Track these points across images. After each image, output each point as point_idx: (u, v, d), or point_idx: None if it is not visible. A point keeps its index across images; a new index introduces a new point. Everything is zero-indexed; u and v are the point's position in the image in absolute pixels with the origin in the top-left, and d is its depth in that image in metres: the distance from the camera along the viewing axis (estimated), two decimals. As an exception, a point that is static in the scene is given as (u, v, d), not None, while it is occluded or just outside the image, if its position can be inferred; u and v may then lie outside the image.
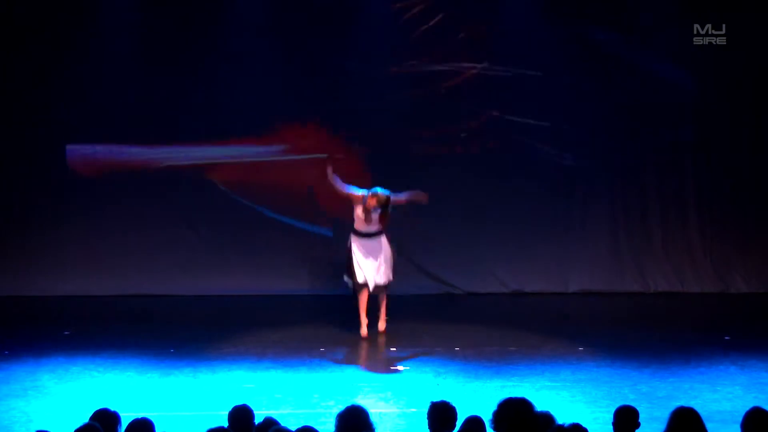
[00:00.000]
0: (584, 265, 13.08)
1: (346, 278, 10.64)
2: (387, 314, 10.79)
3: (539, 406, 5.46)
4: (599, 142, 13.13)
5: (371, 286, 10.42)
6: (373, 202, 10.28)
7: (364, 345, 10.51)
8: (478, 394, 8.44)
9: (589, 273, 13.07)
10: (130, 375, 9.08)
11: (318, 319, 11.31)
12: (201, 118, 12.85)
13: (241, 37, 12.71)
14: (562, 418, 5.54)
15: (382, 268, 10.45)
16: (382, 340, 10.59)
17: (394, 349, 10.18)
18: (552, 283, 13.05)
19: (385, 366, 9.56)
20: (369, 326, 10.63)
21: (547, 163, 13.01)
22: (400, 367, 9.40)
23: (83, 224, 12.73)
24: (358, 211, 10.40)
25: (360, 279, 10.41)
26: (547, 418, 5.52)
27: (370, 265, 10.42)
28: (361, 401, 6.96)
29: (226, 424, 5.58)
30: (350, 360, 9.83)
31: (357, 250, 10.46)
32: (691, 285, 13.04)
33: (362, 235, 10.47)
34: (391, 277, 10.55)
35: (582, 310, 12.30)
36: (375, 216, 10.38)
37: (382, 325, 10.76)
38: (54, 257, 12.67)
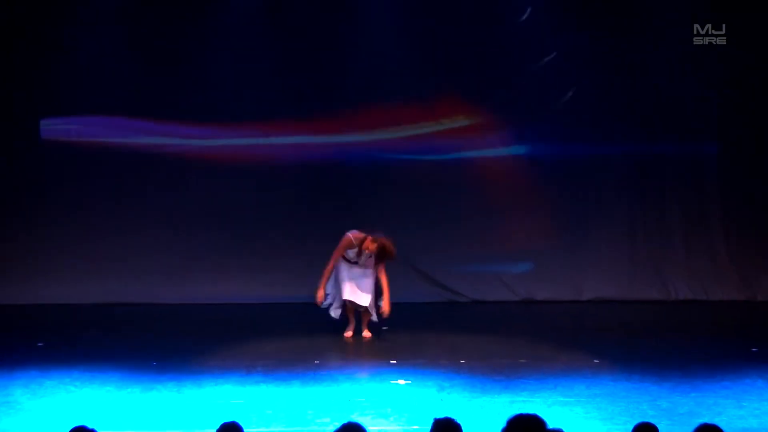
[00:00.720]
0: (599, 271, 13.14)
1: (328, 292, 11.05)
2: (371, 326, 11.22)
3: (551, 424, 5.45)
4: (616, 141, 13.21)
5: (356, 302, 10.95)
6: (372, 247, 10.78)
7: (362, 357, 10.54)
8: (485, 410, 8.41)
9: (605, 279, 13.13)
10: (109, 390, 9.04)
11: (312, 330, 11.32)
12: (193, 94, 12.88)
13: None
14: (576, 436, 5.56)
15: (363, 295, 10.95)
16: (381, 351, 10.61)
17: (395, 361, 10.17)
18: (565, 291, 13.11)
19: (385, 379, 9.54)
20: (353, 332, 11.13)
21: (559, 164, 13.07)
22: (401, 381, 9.40)
23: (58, 226, 12.75)
24: (351, 253, 10.95)
25: (346, 295, 10.92)
26: (559, 436, 5.53)
27: (355, 286, 10.91)
28: (359, 418, 6.93)
29: (213, 443, 5.58)
30: (347, 373, 9.79)
31: (344, 269, 10.98)
32: (715, 292, 13.10)
33: (352, 263, 11.00)
34: (370, 305, 11.01)
35: (597, 319, 12.33)
36: (366, 260, 10.92)
37: (367, 334, 11.19)
38: (26, 262, 12.68)
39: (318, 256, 12.51)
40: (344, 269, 10.98)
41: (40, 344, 10.69)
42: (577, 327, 11.88)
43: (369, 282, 10.98)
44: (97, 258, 12.69)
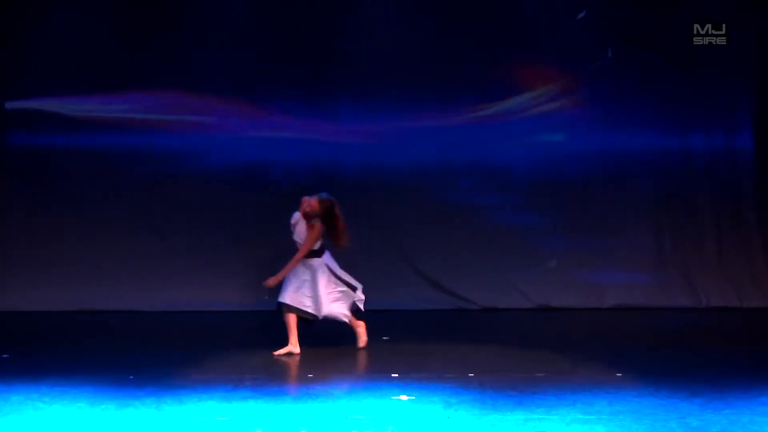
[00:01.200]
0: (623, 276, 13.35)
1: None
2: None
3: (570, 445, 5.36)
4: (642, 138, 13.37)
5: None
6: (314, 204, 10.77)
7: (361, 370, 10.55)
8: (496, 429, 8.33)
9: (629, 285, 13.35)
10: (81, 406, 8.96)
11: (305, 340, 11.23)
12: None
13: None
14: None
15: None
16: (382, 364, 10.57)
17: (396, 374, 10.09)
18: (584, 297, 13.29)
19: (386, 395, 9.41)
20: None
21: (578, 161, 13.15)
22: (403, 396, 9.32)
23: (26, 227, 12.77)
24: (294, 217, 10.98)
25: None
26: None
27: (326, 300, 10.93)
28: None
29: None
30: (344, 388, 9.78)
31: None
32: (751, 299, 13.30)
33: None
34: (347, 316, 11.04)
35: (620, 329, 12.34)
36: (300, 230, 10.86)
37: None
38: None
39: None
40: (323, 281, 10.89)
41: (5, 356, 10.65)
42: (598, 337, 11.91)
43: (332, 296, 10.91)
44: (67, 261, 12.71)
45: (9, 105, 12.98)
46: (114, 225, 12.96)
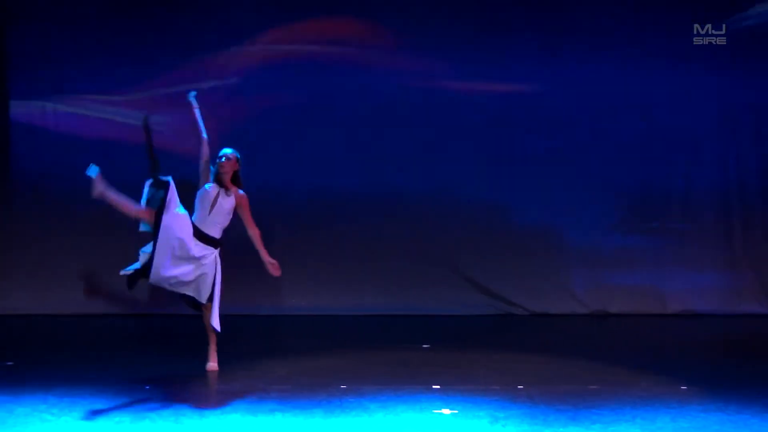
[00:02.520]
0: (688, 280, 13.19)
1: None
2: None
3: (629, 463, 5.43)
4: (712, 133, 13.31)
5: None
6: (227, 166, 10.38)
7: (398, 380, 10.47)
8: None
9: (695, 289, 13.19)
10: (92, 419, 9.02)
11: (336, 346, 11.36)
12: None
13: None
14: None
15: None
16: (422, 374, 10.56)
17: (438, 386, 10.12)
18: (646, 302, 13.16)
19: (426, 408, 9.47)
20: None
21: (636, 156, 13.13)
22: (445, 410, 9.35)
23: (32, 225, 12.82)
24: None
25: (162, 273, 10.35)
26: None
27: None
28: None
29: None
30: (380, 400, 9.72)
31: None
32: None
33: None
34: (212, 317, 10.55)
35: (685, 337, 12.35)
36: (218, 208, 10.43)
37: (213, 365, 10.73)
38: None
39: (341, 259, 12.57)
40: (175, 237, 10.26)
41: (9, 363, 10.73)
42: (659, 345, 11.87)
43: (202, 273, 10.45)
44: (76, 261, 12.76)
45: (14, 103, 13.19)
46: (120, 222, 13.03)
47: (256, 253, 12.52)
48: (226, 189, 10.37)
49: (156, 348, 11.38)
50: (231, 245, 13.14)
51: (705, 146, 13.48)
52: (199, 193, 10.37)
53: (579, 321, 13.06)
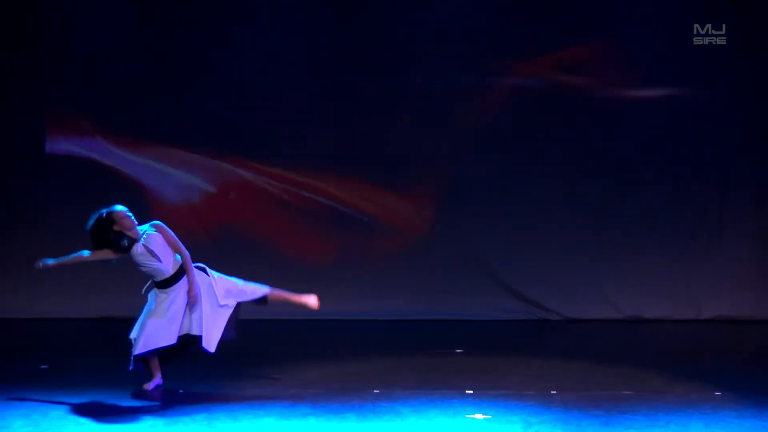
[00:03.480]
0: (723, 285, 13.16)
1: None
2: None
3: (662, 468, 5.44)
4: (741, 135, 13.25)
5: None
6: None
7: (431, 385, 10.47)
8: None
9: (730, 295, 13.15)
10: (126, 423, 9.07)
11: (370, 350, 11.41)
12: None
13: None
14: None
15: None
16: (455, 379, 10.58)
17: (471, 391, 10.15)
18: (680, 308, 13.14)
19: (459, 413, 9.52)
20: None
21: (673, 159, 13.13)
22: (478, 415, 9.37)
23: (58, 229, 12.91)
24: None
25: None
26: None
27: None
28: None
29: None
30: (413, 405, 9.73)
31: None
32: None
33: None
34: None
35: (720, 343, 12.33)
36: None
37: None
38: (27, 269, 12.87)
39: (379, 261, 12.60)
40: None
41: (44, 366, 10.78)
42: (694, 351, 11.87)
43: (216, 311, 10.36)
44: (108, 265, 12.84)
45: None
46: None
47: (279, 254, 12.57)
48: (138, 238, 10.08)
49: (188, 352, 11.38)
50: (247, 247, 13.22)
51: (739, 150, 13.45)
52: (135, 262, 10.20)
53: (613, 326, 13.01)
